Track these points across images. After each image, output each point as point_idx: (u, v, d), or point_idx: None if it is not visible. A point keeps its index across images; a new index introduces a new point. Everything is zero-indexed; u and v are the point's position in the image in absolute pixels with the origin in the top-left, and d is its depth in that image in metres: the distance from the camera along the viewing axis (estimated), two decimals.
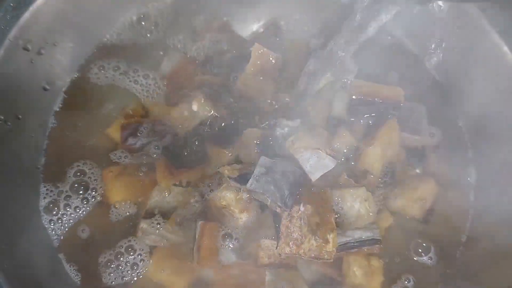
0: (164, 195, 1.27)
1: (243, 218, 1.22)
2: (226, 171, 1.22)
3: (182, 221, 1.25)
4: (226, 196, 1.21)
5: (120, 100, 1.42)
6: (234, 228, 1.24)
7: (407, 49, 1.52)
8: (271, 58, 1.41)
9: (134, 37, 1.51)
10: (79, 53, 1.45)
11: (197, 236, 1.22)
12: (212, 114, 1.36)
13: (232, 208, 1.21)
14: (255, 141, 1.30)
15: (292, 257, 1.19)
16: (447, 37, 1.36)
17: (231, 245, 1.23)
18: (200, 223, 1.23)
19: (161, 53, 1.49)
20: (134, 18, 1.52)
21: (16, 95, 1.28)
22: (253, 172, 1.18)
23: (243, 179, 1.20)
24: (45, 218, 1.27)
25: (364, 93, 1.34)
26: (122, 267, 1.22)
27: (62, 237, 1.27)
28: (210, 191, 1.27)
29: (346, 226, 1.22)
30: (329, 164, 1.21)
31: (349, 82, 1.38)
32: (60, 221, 1.27)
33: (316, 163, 1.21)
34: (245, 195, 1.21)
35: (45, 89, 1.37)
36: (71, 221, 1.28)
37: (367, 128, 1.36)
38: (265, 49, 1.41)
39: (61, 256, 1.26)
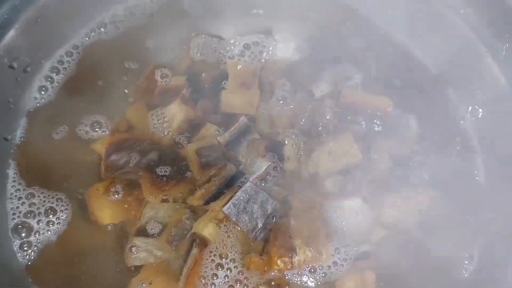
0: (155, 212, 1.24)
1: (225, 248, 1.19)
2: (194, 201, 1.23)
3: (173, 239, 1.21)
4: (205, 230, 1.19)
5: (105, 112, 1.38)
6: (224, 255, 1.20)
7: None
8: (249, 71, 1.40)
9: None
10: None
11: (189, 262, 1.18)
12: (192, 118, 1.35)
13: (211, 241, 1.19)
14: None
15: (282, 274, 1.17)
16: None
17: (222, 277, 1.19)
18: (196, 251, 1.19)
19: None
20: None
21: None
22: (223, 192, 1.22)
23: (214, 197, 1.23)
24: (15, 237, 1.22)
25: (352, 102, 1.33)
26: None
27: (32, 259, 1.21)
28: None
29: (341, 239, 1.20)
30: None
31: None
32: (32, 242, 1.22)
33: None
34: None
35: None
36: (45, 241, 1.23)
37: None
38: (241, 63, 1.41)
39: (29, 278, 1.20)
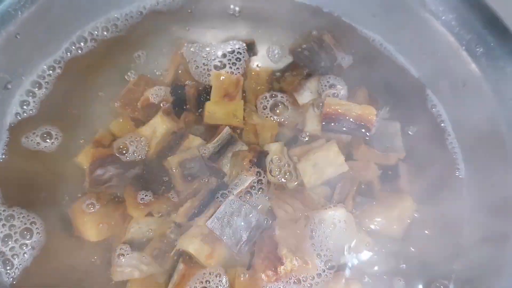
0: (139, 227, 1.24)
1: (211, 264, 1.19)
2: (178, 219, 1.23)
3: (158, 253, 1.21)
4: (190, 246, 1.18)
5: (88, 126, 1.37)
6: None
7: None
8: (232, 81, 1.39)
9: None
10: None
11: (175, 278, 1.18)
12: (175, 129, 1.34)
13: (197, 257, 1.18)
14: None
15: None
16: None
17: None
18: (182, 267, 1.19)
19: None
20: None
21: None
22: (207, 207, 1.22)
23: (198, 212, 1.23)
24: None
25: (336, 111, 1.32)
26: None
27: (16, 278, 1.20)
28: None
29: (326, 249, 1.20)
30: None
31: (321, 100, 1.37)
32: (15, 260, 1.21)
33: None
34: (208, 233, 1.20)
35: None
36: (29, 256, 1.22)
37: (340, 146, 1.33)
38: (224, 74, 1.39)
39: None
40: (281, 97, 1.41)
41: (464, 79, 1.32)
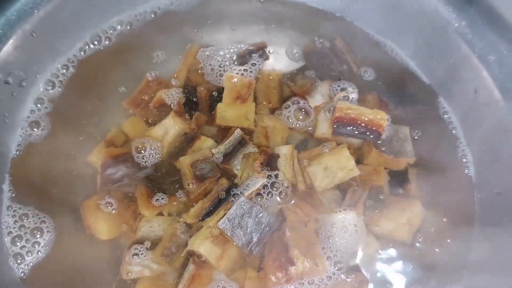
0: (150, 226, 1.25)
1: (221, 266, 1.19)
2: (189, 219, 1.24)
3: (168, 253, 1.22)
4: (201, 247, 1.19)
5: (101, 125, 1.39)
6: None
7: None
8: (244, 83, 1.40)
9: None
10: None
11: (185, 278, 1.19)
12: (187, 130, 1.35)
13: (208, 258, 1.19)
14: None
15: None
16: None
17: None
18: (192, 268, 1.20)
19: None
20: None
21: None
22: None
23: (208, 213, 1.24)
24: (11, 250, 1.23)
25: (348, 115, 1.32)
26: None
27: (27, 273, 1.22)
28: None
29: (335, 252, 1.21)
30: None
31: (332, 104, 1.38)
32: (27, 255, 1.23)
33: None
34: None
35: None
36: (40, 253, 1.24)
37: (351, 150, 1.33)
38: (236, 76, 1.40)
39: None
40: (292, 99, 1.42)
41: (476, 86, 1.33)
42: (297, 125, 1.39)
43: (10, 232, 1.24)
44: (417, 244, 1.28)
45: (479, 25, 1.29)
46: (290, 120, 1.39)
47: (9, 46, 1.27)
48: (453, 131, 1.41)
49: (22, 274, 1.22)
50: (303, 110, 1.40)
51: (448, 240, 1.30)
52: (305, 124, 1.39)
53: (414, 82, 1.46)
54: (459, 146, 1.40)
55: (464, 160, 1.38)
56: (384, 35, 1.50)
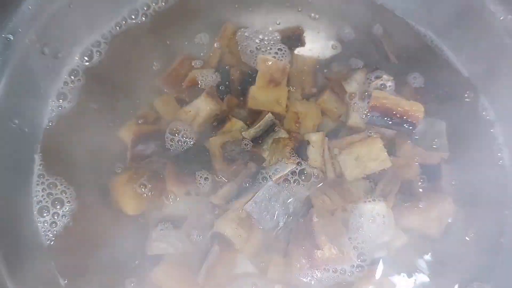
0: (177, 204, 1.25)
1: (246, 249, 1.20)
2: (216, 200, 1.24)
3: (193, 233, 1.23)
4: (226, 230, 1.19)
5: (133, 101, 1.39)
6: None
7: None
8: (279, 67, 1.37)
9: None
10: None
11: (210, 259, 1.19)
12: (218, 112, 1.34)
13: (233, 241, 1.19)
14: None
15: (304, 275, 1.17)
16: None
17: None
18: (216, 249, 1.20)
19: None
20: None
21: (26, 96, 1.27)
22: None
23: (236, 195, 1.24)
24: (39, 220, 1.26)
25: (383, 104, 1.29)
26: None
27: (54, 239, 1.25)
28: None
29: (362, 243, 1.20)
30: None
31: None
32: (54, 224, 1.26)
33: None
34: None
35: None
36: (67, 223, 1.26)
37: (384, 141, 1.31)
38: (271, 59, 1.38)
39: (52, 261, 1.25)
40: (326, 86, 1.38)
41: None
42: (330, 113, 1.37)
43: (39, 201, 1.27)
44: (446, 240, 1.26)
45: None
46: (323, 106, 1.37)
47: (46, 16, 1.25)
48: (491, 130, 1.38)
49: (50, 242, 1.25)
50: (336, 98, 1.38)
51: (477, 239, 1.27)
52: (338, 112, 1.37)
53: (453, 76, 1.42)
54: (496, 145, 1.36)
55: (500, 159, 1.35)
56: (424, 26, 1.46)
